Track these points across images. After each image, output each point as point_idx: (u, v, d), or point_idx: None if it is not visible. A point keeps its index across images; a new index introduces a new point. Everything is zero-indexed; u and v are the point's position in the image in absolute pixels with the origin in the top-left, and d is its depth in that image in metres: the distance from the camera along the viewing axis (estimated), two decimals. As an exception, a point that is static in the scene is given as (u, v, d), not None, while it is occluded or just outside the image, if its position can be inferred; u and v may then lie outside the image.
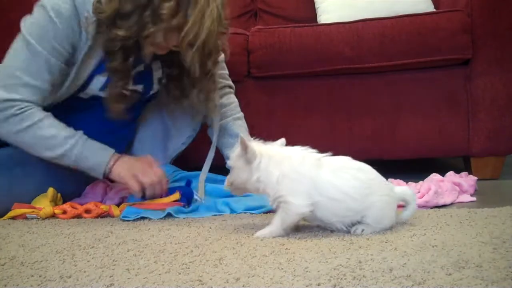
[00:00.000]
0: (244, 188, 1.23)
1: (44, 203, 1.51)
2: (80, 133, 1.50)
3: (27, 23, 1.46)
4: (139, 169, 1.47)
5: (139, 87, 1.62)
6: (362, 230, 1.15)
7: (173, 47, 1.42)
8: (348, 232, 1.17)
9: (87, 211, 1.49)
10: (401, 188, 1.24)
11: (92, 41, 1.45)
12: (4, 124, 1.46)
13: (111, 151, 1.50)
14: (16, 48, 1.47)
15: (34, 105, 1.46)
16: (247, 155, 1.18)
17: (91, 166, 1.48)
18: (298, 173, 1.16)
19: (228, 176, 1.25)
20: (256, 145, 1.20)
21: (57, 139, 1.46)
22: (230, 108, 1.71)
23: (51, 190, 1.53)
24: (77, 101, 1.60)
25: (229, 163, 1.24)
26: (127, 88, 1.51)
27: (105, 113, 1.53)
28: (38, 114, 1.46)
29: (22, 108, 1.44)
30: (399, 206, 1.26)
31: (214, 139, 1.65)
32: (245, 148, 1.17)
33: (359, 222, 1.16)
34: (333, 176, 1.15)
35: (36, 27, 1.44)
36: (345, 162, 1.19)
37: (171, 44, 1.41)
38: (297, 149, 1.21)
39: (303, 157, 1.19)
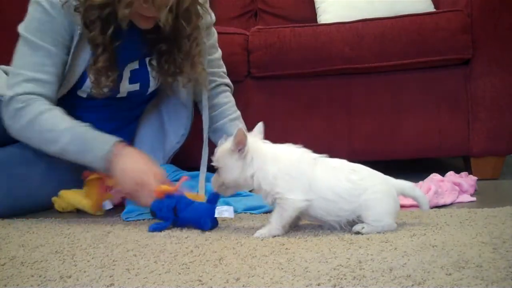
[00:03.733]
0: (236, 186, 1.23)
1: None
2: (80, 125, 1.44)
3: (23, 23, 1.47)
4: (140, 182, 1.35)
5: (135, 86, 1.62)
6: (362, 228, 1.15)
7: (150, 11, 1.39)
8: (347, 230, 1.17)
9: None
10: (398, 181, 1.23)
11: (81, 30, 1.45)
12: (11, 122, 1.46)
13: (112, 140, 1.41)
14: (17, 49, 1.47)
15: (38, 97, 1.44)
16: (243, 150, 1.17)
17: (91, 159, 1.40)
18: (296, 170, 1.17)
19: (215, 177, 1.23)
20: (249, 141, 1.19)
21: (56, 131, 1.42)
22: (227, 108, 1.71)
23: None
24: (76, 101, 1.60)
25: (216, 162, 1.21)
26: (110, 66, 1.47)
27: (117, 110, 1.50)
28: (40, 106, 1.44)
29: (24, 101, 1.43)
30: (412, 206, 1.25)
31: (205, 137, 1.64)
32: (243, 142, 1.16)
33: (359, 221, 1.17)
34: (327, 176, 1.17)
35: (33, 22, 1.44)
36: (340, 163, 1.21)
37: (144, 5, 1.37)
38: (292, 147, 1.22)
39: (301, 156, 1.20)
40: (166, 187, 1.31)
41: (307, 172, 1.17)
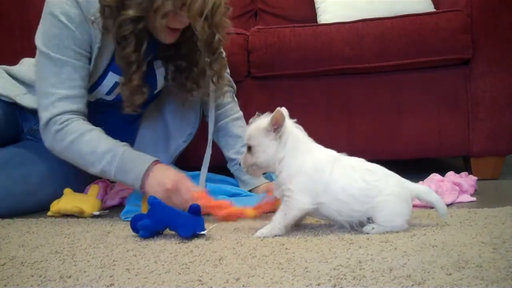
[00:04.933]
0: (266, 167, 1.20)
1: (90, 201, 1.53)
2: (119, 145, 1.44)
3: (40, 37, 1.44)
4: (171, 188, 1.36)
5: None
6: (373, 228, 1.15)
7: (183, 22, 1.40)
8: (358, 231, 1.17)
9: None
10: (414, 185, 1.23)
11: (100, 43, 1.44)
12: (53, 144, 1.46)
13: (150, 160, 1.40)
14: (40, 66, 1.45)
15: (76, 115, 1.45)
16: (279, 130, 1.15)
17: (132, 180, 1.40)
18: (316, 171, 1.16)
19: (245, 156, 1.21)
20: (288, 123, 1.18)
21: (96, 154, 1.42)
22: (229, 108, 1.71)
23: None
24: None
25: (250, 141, 1.19)
26: (144, 83, 1.47)
27: (120, 110, 1.49)
28: (80, 127, 1.43)
29: (63, 122, 1.43)
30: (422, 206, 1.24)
31: (210, 138, 1.65)
32: (281, 122, 1.15)
33: (370, 222, 1.16)
34: (342, 177, 1.16)
35: (52, 38, 1.42)
36: (357, 162, 1.20)
37: (180, 16, 1.38)
38: (321, 147, 1.22)
39: (326, 157, 1.19)
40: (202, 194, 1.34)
41: (325, 174, 1.16)
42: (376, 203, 1.14)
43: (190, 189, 1.36)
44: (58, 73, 1.43)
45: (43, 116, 1.44)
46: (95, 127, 1.46)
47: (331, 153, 1.21)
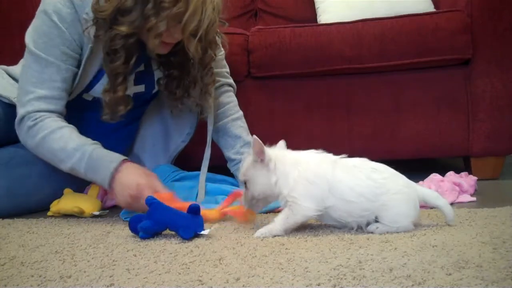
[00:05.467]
0: (265, 197, 1.22)
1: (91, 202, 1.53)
2: (89, 143, 1.44)
3: (30, 34, 1.45)
4: (134, 195, 1.34)
5: (141, 87, 1.62)
6: (377, 228, 1.15)
7: (176, 38, 1.40)
8: (362, 230, 1.17)
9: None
10: (422, 188, 1.23)
11: (93, 43, 1.44)
12: (26, 138, 1.47)
13: (118, 159, 1.40)
14: (26, 63, 1.46)
15: (49, 114, 1.44)
16: (263, 158, 1.17)
17: (100, 177, 1.41)
18: (316, 175, 1.16)
19: (244, 192, 1.23)
20: (268, 149, 1.20)
21: (66, 151, 1.42)
22: (229, 107, 1.71)
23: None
24: (80, 102, 1.60)
25: (244, 176, 1.21)
26: (126, 91, 1.48)
27: (101, 115, 1.49)
28: (52, 124, 1.44)
29: (36, 119, 1.44)
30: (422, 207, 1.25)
31: (209, 139, 1.65)
32: (261, 150, 1.17)
33: (377, 221, 1.16)
34: (347, 177, 1.16)
35: (41, 36, 1.42)
36: (360, 162, 1.20)
37: (174, 34, 1.38)
38: (313, 152, 1.22)
39: (321, 160, 1.19)
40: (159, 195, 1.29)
41: (327, 175, 1.16)
42: (384, 202, 1.14)
43: (156, 191, 1.33)
44: (40, 72, 1.43)
45: (19, 112, 1.46)
46: (68, 125, 1.46)
47: (326, 155, 1.21)
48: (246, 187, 1.22)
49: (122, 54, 1.40)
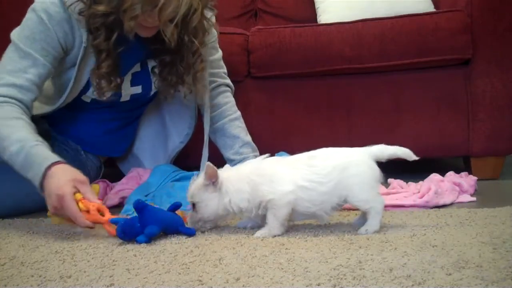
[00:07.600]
0: (216, 219, 1.23)
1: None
2: (33, 139, 1.35)
3: (16, 29, 1.45)
4: (59, 198, 1.24)
5: (138, 88, 1.62)
6: (366, 230, 1.16)
7: (152, 23, 1.39)
8: (333, 216, 1.20)
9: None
10: (368, 148, 1.24)
11: (86, 43, 1.45)
12: None
13: (49, 161, 1.30)
14: (6, 52, 1.46)
15: (14, 102, 1.41)
16: (216, 183, 1.19)
17: (31, 176, 1.31)
18: (264, 174, 1.18)
19: (191, 214, 1.23)
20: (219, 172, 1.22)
21: (9, 140, 1.35)
22: (226, 108, 1.71)
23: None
24: (79, 103, 1.60)
25: (192, 198, 1.21)
26: (113, 72, 1.48)
27: (118, 112, 1.48)
28: (7, 112, 1.39)
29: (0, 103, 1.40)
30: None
31: (206, 138, 1.65)
32: (214, 174, 1.18)
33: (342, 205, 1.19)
34: (288, 170, 1.18)
35: (25, 30, 1.43)
36: (296, 156, 1.22)
37: (149, 18, 1.37)
38: (249, 160, 1.28)
39: (260, 162, 1.23)
40: (80, 195, 1.23)
41: (267, 171, 1.18)
42: (338, 180, 1.16)
43: (85, 198, 1.24)
44: (16, 62, 1.43)
45: None
46: (27, 120, 1.41)
47: (264, 158, 1.25)
48: (193, 209, 1.22)
49: (102, 31, 1.42)
